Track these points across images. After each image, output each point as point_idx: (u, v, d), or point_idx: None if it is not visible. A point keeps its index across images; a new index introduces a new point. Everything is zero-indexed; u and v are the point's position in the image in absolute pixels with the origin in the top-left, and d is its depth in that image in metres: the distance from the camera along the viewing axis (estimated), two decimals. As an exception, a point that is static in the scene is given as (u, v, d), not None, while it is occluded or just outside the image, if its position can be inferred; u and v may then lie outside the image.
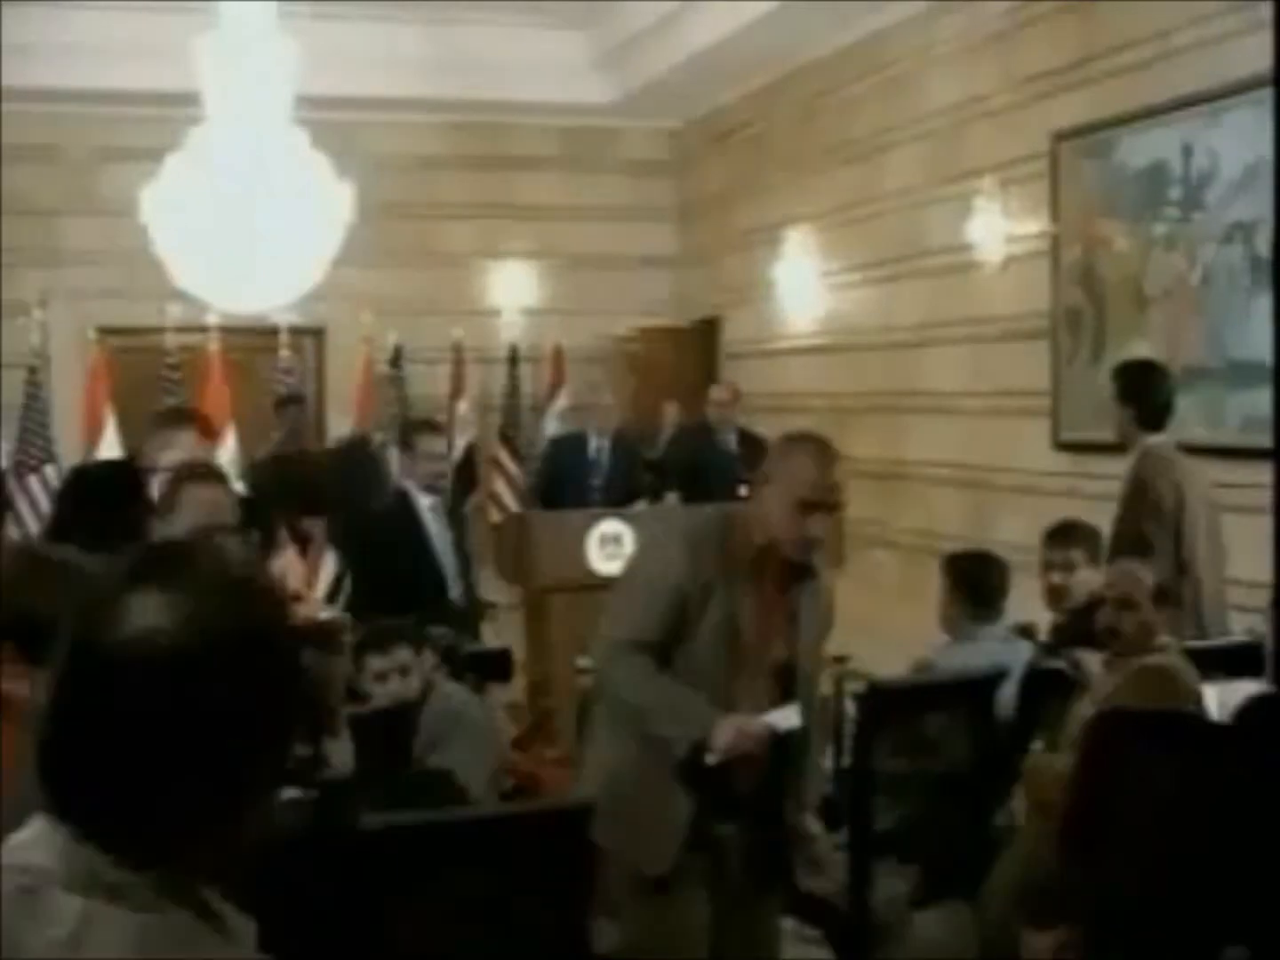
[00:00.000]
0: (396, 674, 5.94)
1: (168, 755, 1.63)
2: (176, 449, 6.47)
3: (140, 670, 1.63)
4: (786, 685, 4.93)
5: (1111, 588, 5.78)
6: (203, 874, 1.71)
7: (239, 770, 1.68)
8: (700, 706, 4.69)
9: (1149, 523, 6.60)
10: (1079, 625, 6.38)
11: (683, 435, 12.04)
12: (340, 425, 13.10)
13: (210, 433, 7.06)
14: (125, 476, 6.57)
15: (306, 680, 1.80)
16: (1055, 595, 6.63)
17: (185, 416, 7.06)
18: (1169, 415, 6.85)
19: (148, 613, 1.66)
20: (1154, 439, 6.80)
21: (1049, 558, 6.67)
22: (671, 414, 12.75)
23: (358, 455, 11.58)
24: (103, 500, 6.26)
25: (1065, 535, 6.72)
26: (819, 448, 4.85)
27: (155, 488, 6.26)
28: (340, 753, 5.34)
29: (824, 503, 4.69)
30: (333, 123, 10.69)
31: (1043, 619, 6.68)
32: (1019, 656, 6.32)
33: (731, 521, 4.89)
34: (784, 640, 4.92)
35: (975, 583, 6.56)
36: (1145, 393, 6.91)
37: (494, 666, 7.67)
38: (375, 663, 5.94)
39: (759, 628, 4.82)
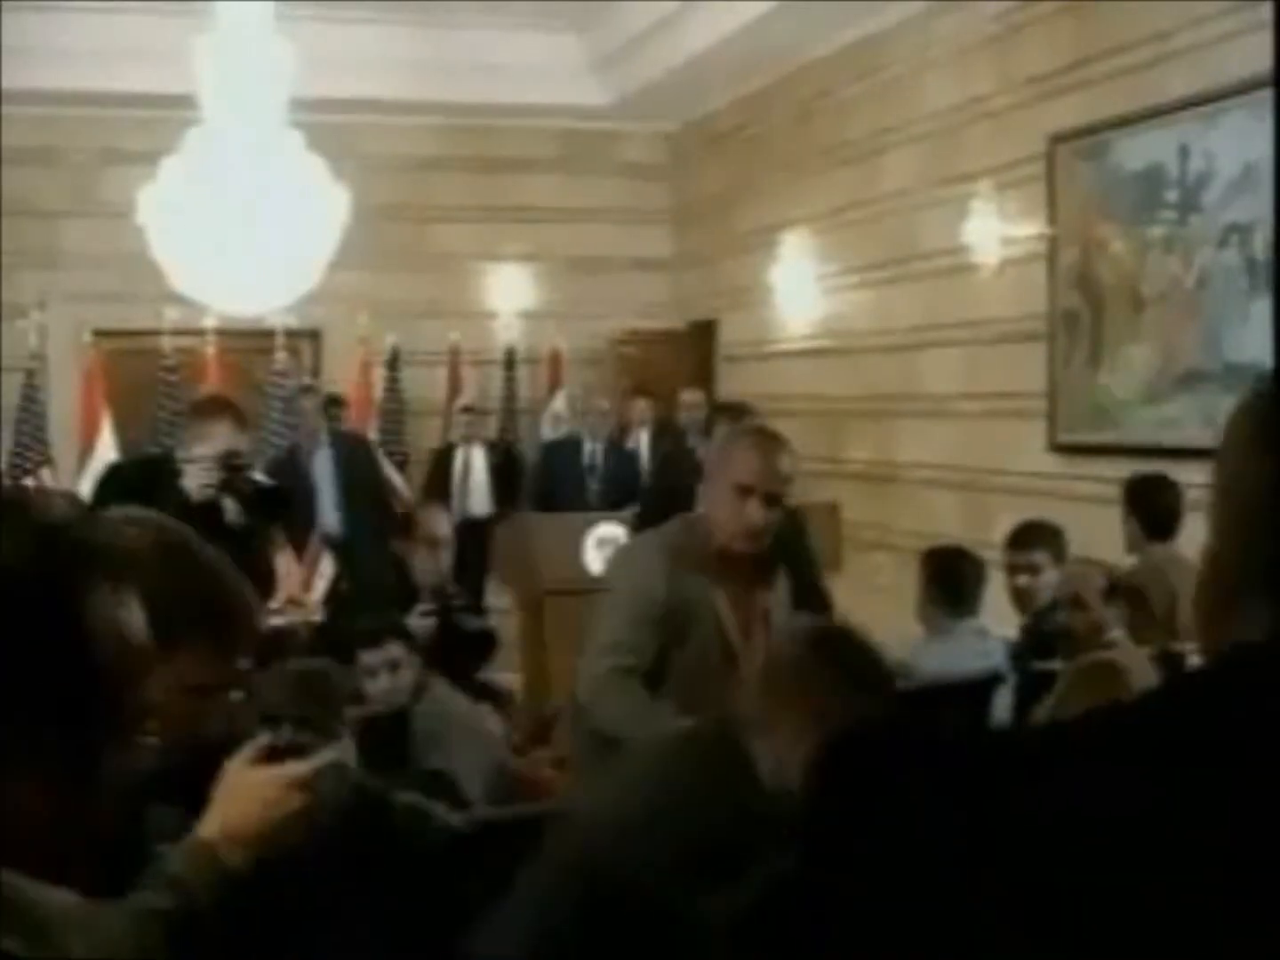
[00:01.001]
0: (386, 669, 5.96)
1: None
2: (212, 440, 6.48)
3: None
4: None
5: (1062, 589, 5.88)
6: None
7: None
8: None
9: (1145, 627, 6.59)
10: (1045, 627, 6.39)
11: (661, 442, 12.07)
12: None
13: (245, 422, 7.01)
14: (160, 470, 6.59)
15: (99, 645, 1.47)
16: (1022, 598, 6.64)
17: (220, 407, 7.01)
18: (1175, 525, 6.83)
19: None
20: (1156, 547, 6.79)
21: (1013, 561, 6.68)
22: (642, 409, 12.57)
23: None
24: (139, 494, 6.27)
25: (1027, 537, 6.74)
26: (760, 436, 4.85)
27: (190, 479, 6.29)
28: (345, 753, 5.36)
29: (763, 489, 4.64)
30: (329, 125, 10.72)
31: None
32: (993, 653, 6.33)
33: (692, 526, 4.86)
34: (764, 643, 4.87)
35: (950, 578, 6.57)
36: (1147, 504, 6.90)
37: (476, 647, 7.68)
38: (366, 657, 5.97)
39: (741, 631, 4.79)
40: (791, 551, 5.26)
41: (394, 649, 6.00)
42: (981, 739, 1.34)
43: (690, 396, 11.78)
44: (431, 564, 7.87)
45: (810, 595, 5.46)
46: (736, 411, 8.21)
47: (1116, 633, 5.67)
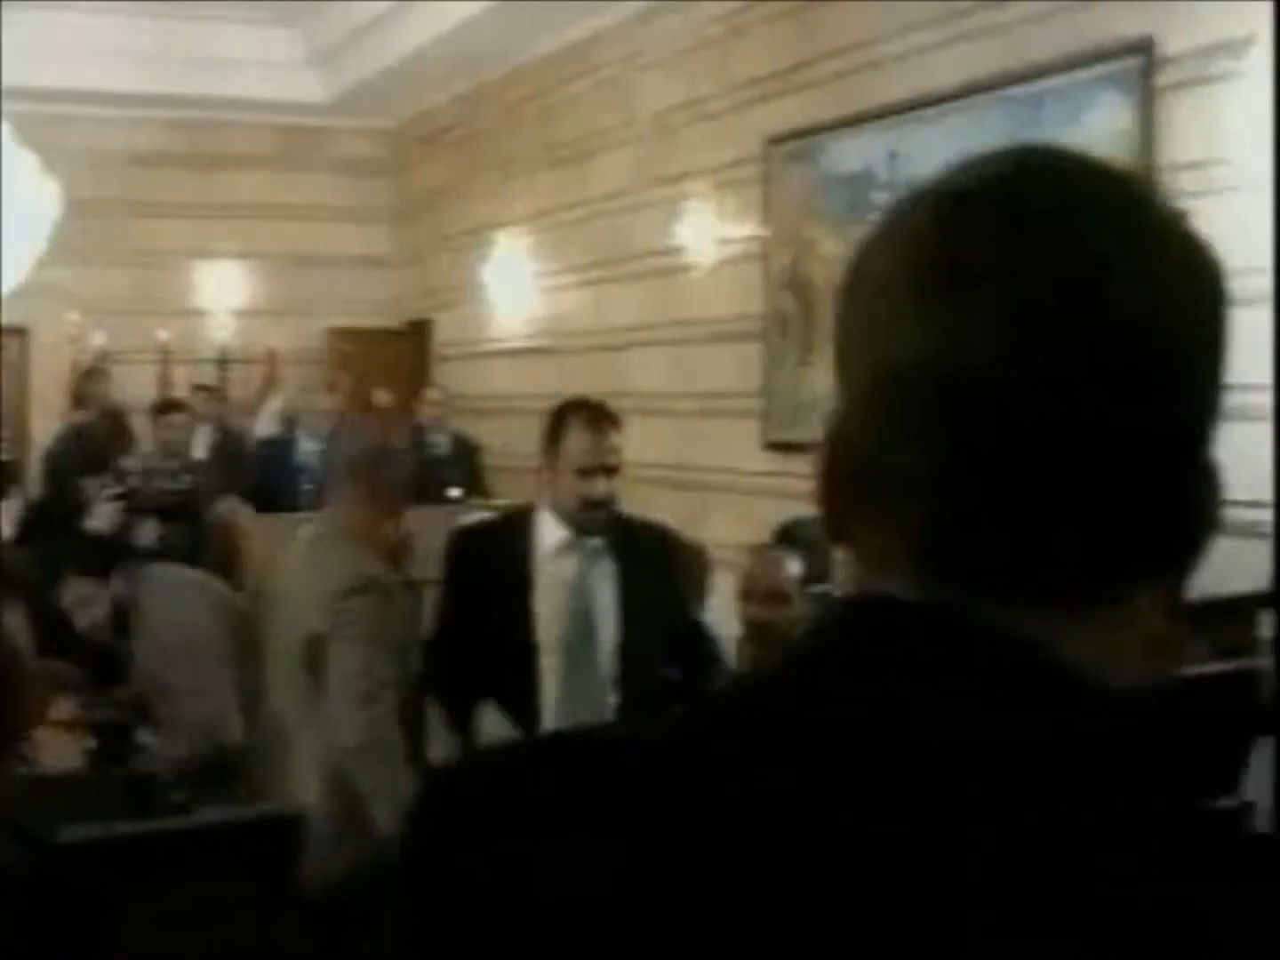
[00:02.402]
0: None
1: None
2: None
3: None
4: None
5: (759, 581, 5.40)
6: None
7: None
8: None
9: None
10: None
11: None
12: (44, 428, 12.76)
13: None
14: None
15: None
16: None
17: None
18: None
19: None
20: None
21: None
22: (385, 401, 12.46)
23: None
24: None
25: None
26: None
27: None
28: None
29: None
30: (42, 116, 10.51)
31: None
32: None
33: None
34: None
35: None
36: None
37: None
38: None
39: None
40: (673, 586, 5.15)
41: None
42: (613, 739, 0.98)
43: (431, 395, 11.84)
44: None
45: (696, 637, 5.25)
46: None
47: None
